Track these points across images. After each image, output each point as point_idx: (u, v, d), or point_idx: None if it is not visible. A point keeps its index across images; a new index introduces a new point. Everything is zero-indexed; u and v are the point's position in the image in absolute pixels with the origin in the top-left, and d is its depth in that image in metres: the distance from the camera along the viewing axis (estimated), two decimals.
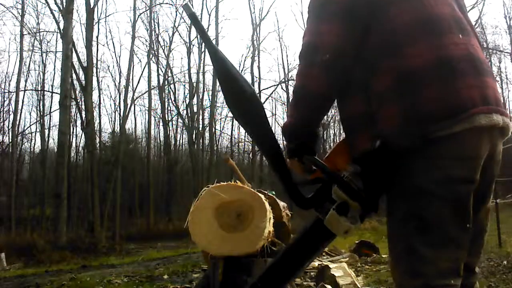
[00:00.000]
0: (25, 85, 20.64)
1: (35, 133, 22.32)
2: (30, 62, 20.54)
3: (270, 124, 1.22)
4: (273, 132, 1.23)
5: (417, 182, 1.07)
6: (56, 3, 15.46)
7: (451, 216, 1.05)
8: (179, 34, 22.45)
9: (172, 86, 22.65)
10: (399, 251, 1.10)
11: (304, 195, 1.21)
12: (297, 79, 1.20)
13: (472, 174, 1.07)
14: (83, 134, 19.74)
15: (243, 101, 1.18)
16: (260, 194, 2.53)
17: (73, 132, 21.21)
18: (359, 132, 1.18)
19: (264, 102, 23.39)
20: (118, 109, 21.98)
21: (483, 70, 1.10)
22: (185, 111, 22.40)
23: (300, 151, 1.20)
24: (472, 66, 1.08)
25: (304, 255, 1.26)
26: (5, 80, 21.23)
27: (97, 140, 19.38)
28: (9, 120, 19.93)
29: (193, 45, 22.14)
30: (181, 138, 25.38)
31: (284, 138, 1.24)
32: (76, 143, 22.65)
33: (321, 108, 1.21)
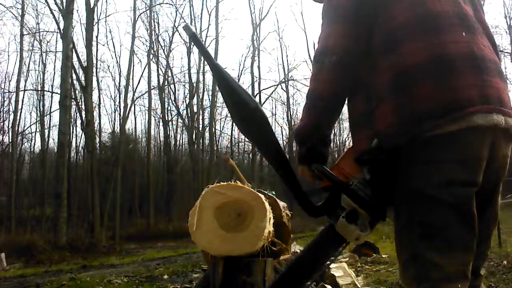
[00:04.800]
0: (25, 85, 20.69)
1: (35, 133, 22.38)
2: (30, 62, 20.61)
3: (275, 134, 1.22)
4: (279, 142, 1.23)
5: (417, 186, 1.05)
6: (56, 3, 15.43)
7: (455, 220, 1.03)
8: (179, 34, 22.37)
9: (172, 86, 22.67)
10: (406, 258, 1.09)
11: (314, 203, 1.21)
12: (309, 83, 1.22)
13: (473, 177, 1.04)
14: (83, 134, 19.76)
15: (247, 115, 1.18)
16: (260, 194, 2.53)
17: (73, 132, 21.23)
18: (360, 132, 1.18)
19: (264, 102, 23.44)
20: (118, 109, 22.01)
21: (486, 69, 1.07)
22: (185, 111, 22.44)
23: (309, 157, 1.21)
24: (473, 65, 1.06)
25: (317, 260, 1.26)
26: (5, 80, 21.31)
27: (97, 140, 19.39)
28: (9, 120, 19.98)
29: (193, 45, 22.10)
30: (181, 138, 25.42)
31: (295, 142, 1.26)
32: (76, 143, 22.70)
33: (330, 110, 1.21)
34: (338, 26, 1.14)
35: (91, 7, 16.01)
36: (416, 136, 1.04)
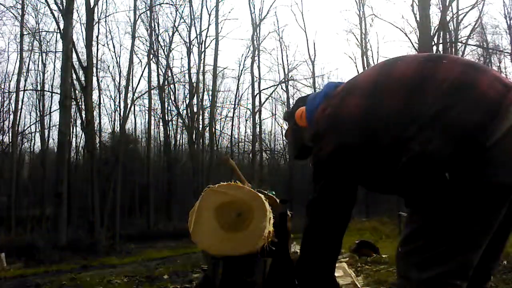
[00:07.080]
0: (25, 85, 20.68)
1: (35, 133, 22.39)
2: (30, 62, 20.61)
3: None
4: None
5: (453, 189, 1.03)
6: (56, 3, 15.44)
7: (481, 223, 1.04)
8: (179, 34, 22.33)
9: (172, 86, 22.64)
10: (418, 245, 1.09)
11: None
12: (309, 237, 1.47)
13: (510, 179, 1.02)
14: (83, 134, 19.79)
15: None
16: (260, 194, 2.54)
17: (73, 132, 21.24)
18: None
19: (264, 102, 23.46)
20: (118, 109, 22.02)
21: (480, 69, 1.13)
22: (185, 111, 22.41)
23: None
24: (473, 70, 1.11)
25: None
26: (5, 80, 21.28)
27: (97, 140, 19.39)
28: (9, 120, 20.01)
29: (193, 45, 22.08)
30: (181, 138, 25.43)
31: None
32: (76, 143, 22.72)
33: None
34: (326, 182, 1.29)
35: (91, 7, 16.01)
36: (478, 148, 1.01)
